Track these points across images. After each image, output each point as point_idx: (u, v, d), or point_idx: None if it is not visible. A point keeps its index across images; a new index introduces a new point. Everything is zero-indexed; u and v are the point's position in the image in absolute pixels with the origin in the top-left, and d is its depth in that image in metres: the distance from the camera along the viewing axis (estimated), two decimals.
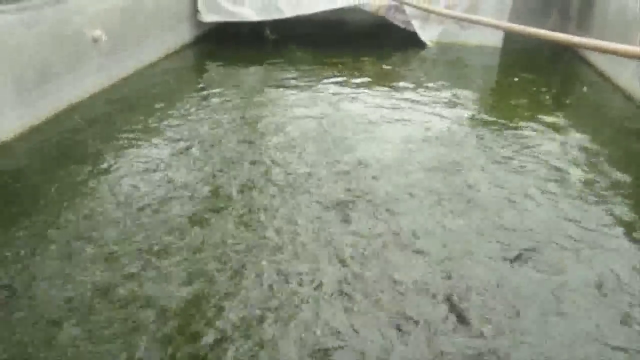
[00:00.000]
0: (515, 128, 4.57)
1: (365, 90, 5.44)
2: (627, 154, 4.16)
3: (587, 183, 3.62)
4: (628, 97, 5.27)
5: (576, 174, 3.74)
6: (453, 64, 6.87)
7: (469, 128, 4.55)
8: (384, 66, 6.53)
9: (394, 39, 7.37)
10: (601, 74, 6.02)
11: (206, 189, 3.40)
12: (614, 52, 2.57)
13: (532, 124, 4.65)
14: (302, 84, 5.63)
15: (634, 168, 3.89)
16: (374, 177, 3.59)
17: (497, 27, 4.42)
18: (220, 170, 3.65)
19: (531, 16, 7.46)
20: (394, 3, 6.88)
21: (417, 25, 7.22)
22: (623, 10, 5.82)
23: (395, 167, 3.75)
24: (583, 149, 4.16)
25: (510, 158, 3.95)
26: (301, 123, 4.52)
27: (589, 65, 6.43)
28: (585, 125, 4.69)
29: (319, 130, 4.36)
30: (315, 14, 6.95)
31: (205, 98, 5.16)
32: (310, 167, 3.71)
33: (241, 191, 3.37)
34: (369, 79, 5.84)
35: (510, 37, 6.92)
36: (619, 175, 3.73)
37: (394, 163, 3.80)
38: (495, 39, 7.10)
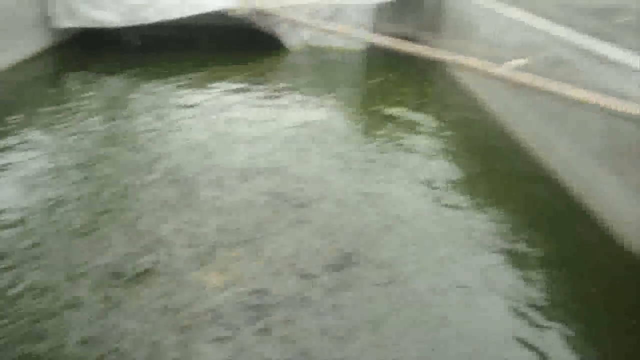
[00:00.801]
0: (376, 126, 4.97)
1: (233, 96, 5.51)
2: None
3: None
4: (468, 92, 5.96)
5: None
6: (319, 67, 7.17)
7: (336, 127, 4.86)
8: (250, 72, 6.59)
9: (260, 43, 7.51)
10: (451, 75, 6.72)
11: None
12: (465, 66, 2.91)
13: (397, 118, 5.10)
14: (166, 90, 5.59)
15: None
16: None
17: (357, 38, 4.76)
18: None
19: (390, 22, 8.05)
20: (259, 9, 7.03)
21: (283, 30, 7.44)
22: (465, 16, 6.57)
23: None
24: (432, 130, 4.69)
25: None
26: (163, 130, 4.54)
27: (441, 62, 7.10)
28: (437, 113, 5.27)
29: (183, 139, 4.41)
30: (181, 19, 6.88)
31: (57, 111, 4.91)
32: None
33: None
34: (239, 85, 5.92)
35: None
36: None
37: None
38: (359, 42, 7.52)
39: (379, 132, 4.83)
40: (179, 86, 5.71)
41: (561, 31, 4.43)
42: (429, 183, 3.89)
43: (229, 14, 7.06)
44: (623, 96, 3.30)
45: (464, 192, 3.82)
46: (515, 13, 5.40)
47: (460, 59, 2.53)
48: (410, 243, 3.16)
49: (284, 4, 6.88)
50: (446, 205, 3.63)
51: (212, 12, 6.93)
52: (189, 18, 6.87)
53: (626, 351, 2.50)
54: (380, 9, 7.69)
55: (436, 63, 7.05)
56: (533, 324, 2.58)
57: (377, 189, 3.77)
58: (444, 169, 4.16)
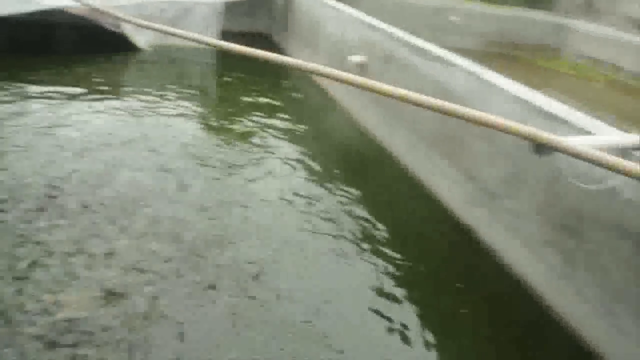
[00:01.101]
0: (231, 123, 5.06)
1: (76, 102, 5.20)
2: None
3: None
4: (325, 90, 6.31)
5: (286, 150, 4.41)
6: (171, 67, 7.02)
7: (190, 129, 4.85)
8: (96, 74, 6.21)
9: (107, 44, 7.13)
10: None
11: None
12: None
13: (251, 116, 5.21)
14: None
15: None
16: None
17: (200, 41, 4.68)
18: None
19: (240, 20, 8.17)
20: (100, 8, 6.65)
21: (129, 29, 7.15)
22: (311, 13, 6.88)
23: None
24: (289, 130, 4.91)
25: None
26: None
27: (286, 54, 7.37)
28: (292, 111, 5.48)
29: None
30: (12, 16, 6.26)
31: None
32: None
33: None
34: (83, 89, 5.59)
35: (223, 36, 7.40)
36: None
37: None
38: (211, 38, 7.47)
39: (239, 131, 4.93)
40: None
41: (395, 30, 4.89)
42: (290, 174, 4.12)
43: (68, 11, 6.60)
44: (448, 89, 3.80)
45: (324, 180, 4.09)
46: (356, 12, 5.81)
47: (302, 64, 2.68)
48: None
49: (125, 3, 6.60)
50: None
51: (48, 9, 6.42)
52: (28, 15, 6.27)
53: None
54: (231, 7, 7.73)
55: (289, 53, 7.35)
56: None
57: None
58: (302, 157, 4.43)
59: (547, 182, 2.94)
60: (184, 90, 5.92)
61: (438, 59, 3.95)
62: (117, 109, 5.05)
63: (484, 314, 2.92)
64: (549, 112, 2.87)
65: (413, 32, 4.85)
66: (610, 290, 2.62)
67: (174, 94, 5.72)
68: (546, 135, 2.02)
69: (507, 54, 9.40)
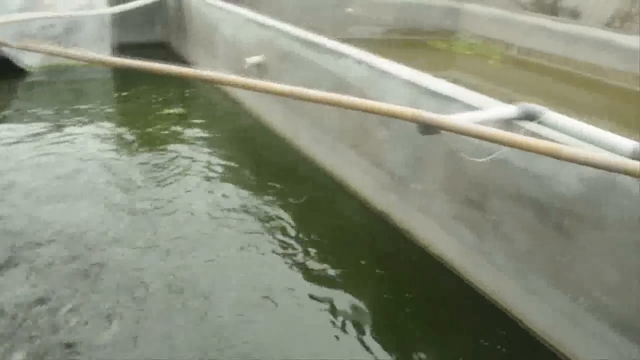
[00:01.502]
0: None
1: None
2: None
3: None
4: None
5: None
6: (65, 87, 6.58)
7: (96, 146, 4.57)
8: None
9: None
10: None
11: None
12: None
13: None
14: None
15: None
16: None
17: (92, 60, 4.41)
18: None
19: (138, 31, 7.83)
20: None
21: (12, 51, 6.63)
22: (205, 16, 6.71)
23: None
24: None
25: None
26: None
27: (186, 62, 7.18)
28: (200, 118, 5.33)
29: None
30: None
31: None
32: None
33: None
34: None
35: (119, 48, 7.04)
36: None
37: None
38: (102, 55, 7.10)
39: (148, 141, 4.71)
40: None
41: (288, 26, 4.85)
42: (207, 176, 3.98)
43: None
44: (344, 80, 3.80)
45: (240, 184, 3.99)
46: (250, 12, 5.71)
47: (201, 74, 2.57)
48: None
49: (3, 20, 6.11)
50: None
51: None
52: None
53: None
54: (125, 18, 7.38)
55: (189, 60, 7.14)
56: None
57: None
58: (219, 163, 4.33)
59: (446, 160, 3.01)
60: (83, 110, 5.56)
61: (331, 51, 3.95)
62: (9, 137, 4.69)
63: (405, 295, 2.95)
64: (439, 93, 2.93)
65: (314, 27, 4.84)
66: (517, 256, 2.72)
67: (72, 117, 5.36)
68: (429, 115, 2.04)
69: (407, 40, 9.66)
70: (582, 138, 2.39)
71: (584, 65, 8.48)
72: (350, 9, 9.06)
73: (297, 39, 4.41)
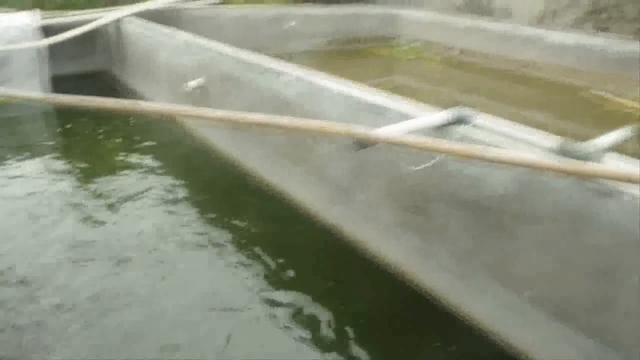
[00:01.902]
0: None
1: None
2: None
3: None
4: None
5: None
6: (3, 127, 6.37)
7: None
8: None
9: None
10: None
11: None
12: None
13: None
14: None
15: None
16: None
17: (24, 98, 4.26)
18: None
19: (77, 61, 7.66)
20: None
21: None
22: (144, 44, 6.64)
23: None
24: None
25: None
26: None
27: (129, 89, 7.08)
28: (146, 145, 5.25)
29: None
30: None
31: None
32: None
33: None
34: None
35: (56, 81, 6.86)
36: None
37: None
38: (34, 92, 6.83)
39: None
40: None
41: (227, 48, 4.86)
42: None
43: None
44: (284, 98, 3.84)
45: (185, 203, 3.95)
46: (189, 35, 5.70)
47: (143, 106, 2.54)
48: None
49: None
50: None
51: None
52: None
53: None
54: (61, 48, 7.19)
55: (131, 87, 7.03)
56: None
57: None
58: (167, 188, 4.29)
59: (387, 169, 3.08)
60: (23, 146, 5.38)
61: (270, 70, 3.98)
62: None
63: (360, 308, 2.99)
64: (376, 104, 3.01)
65: (257, 45, 4.87)
66: (461, 256, 2.81)
67: (11, 154, 5.18)
68: (360, 130, 2.10)
69: (348, 50, 9.83)
70: (510, 137, 2.51)
71: (517, 61, 8.86)
72: (289, 24, 9.16)
73: (237, 59, 4.43)
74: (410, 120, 2.49)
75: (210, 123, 4.89)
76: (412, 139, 2.03)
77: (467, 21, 9.77)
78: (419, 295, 3.05)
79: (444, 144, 1.98)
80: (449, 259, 2.89)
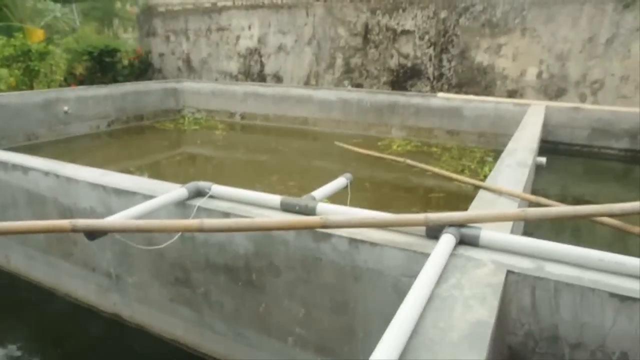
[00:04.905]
0: None
1: None
2: None
3: None
4: None
5: None
6: None
7: None
8: None
9: None
10: None
11: None
12: None
13: None
14: None
15: None
16: None
17: None
18: None
19: None
20: None
21: None
22: None
23: None
24: None
25: None
26: None
27: None
28: None
29: None
30: None
31: None
32: None
33: None
34: None
35: None
36: None
37: None
38: None
39: None
40: None
41: None
42: None
43: None
44: (39, 194, 3.66)
45: None
46: None
47: None
48: None
49: None
50: None
51: None
52: None
53: None
54: None
55: None
56: None
57: None
58: None
59: (145, 250, 3.13)
60: None
61: (19, 167, 3.78)
62: None
63: None
64: (122, 189, 3.06)
65: (27, 132, 4.49)
66: (230, 319, 2.95)
67: None
68: (85, 222, 2.14)
69: (133, 128, 9.73)
70: (244, 202, 2.78)
71: (294, 119, 9.74)
72: (65, 108, 8.76)
73: None
74: (150, 201, 2.60)
75: None
76: (142, 223, 2.14)
77: (244, 87, 10.45)
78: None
79: (165, 224, 2.12)
80: (220, 324, 3.01)
